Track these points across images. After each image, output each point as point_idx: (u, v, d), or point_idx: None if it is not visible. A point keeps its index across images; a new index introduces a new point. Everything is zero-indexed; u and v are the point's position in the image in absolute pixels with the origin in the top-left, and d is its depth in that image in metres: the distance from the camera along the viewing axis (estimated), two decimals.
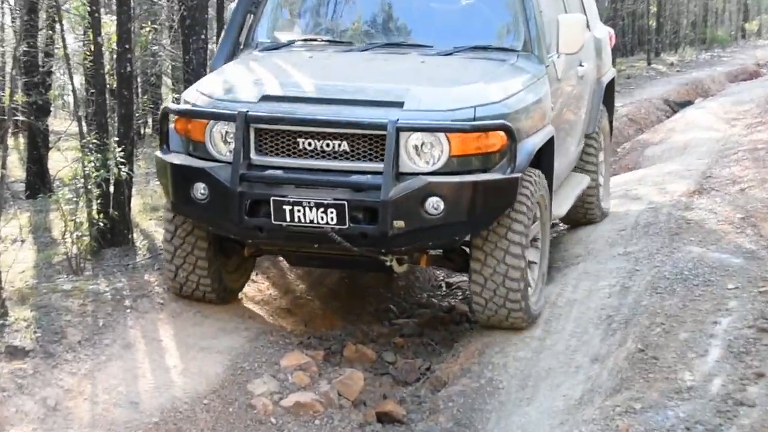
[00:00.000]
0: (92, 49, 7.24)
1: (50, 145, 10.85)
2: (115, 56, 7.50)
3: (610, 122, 8.81)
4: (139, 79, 10.80)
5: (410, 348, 6.73)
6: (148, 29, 9.34)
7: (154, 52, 13.09)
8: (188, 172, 5.75)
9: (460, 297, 8.02)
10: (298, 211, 5.50)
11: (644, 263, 6.82)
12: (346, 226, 5.48)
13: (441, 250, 6.17)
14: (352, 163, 5.58)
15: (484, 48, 6.52)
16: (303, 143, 5.60)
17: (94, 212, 6.95)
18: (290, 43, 6.77)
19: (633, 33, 25.73)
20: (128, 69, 7.30)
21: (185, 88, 7.05)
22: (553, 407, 5.46)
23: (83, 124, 7.36)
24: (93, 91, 7.49)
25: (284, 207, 5.51)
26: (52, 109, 12.95)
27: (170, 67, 14.51)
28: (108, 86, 7.53)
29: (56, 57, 11.54)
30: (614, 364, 5.47)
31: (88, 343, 5.61)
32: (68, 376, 5.22)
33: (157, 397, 5.23)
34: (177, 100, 6.98)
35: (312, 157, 5.62)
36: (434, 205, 5.47)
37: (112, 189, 7.18)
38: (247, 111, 5.59)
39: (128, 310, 6.08)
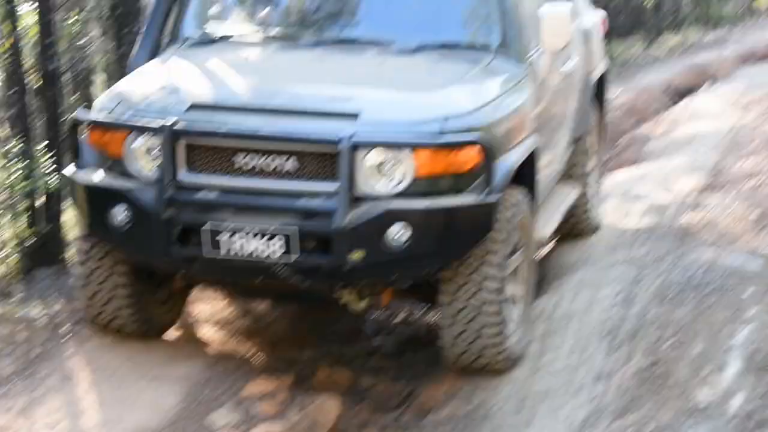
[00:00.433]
0: (9, 43, 7.22)
1: None
2: (37, 51, 7.49)
3: (602, 121, 8.67)
4: (68, 76, 10.78)
5: (390, 370, 6.79)
6: (74, 19, 9.32)
7: (83, 45, 13.07)
8: (104, 194, 5.57)
9: None
10: (237, 241, 5.35)
11: (650, 269, 6.92)
12: (294, 258, 5.34)
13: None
14: (300, 183, 5.41)
15: (454, 45, 6.36)
16: (241, 160, 5.44)
17: (22, 228, 6.96)
18: (224, 39, 6.54)
19: (629, 13, 25.98)
20: (53, 65, 7.30)
21: None
22: None
23: (4, 128, 7.35)
24: (13, 91, 7.47)
25: (220, 236, 5.35)
26: None
27: (102, 61, 14.49)
28: (30, 85, 7.51)
29: None
30: (621, 383, 5.56)
31: (21, 376, 5.62)
32: (1, 413, 5.23)
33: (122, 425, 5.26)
34: (89, 106, 6.77)
35: (253, 176, 5.45)
36: (397, 234, 5.32)
37: (41, 201, 7.19)
38: (173, 123, 5.40)
39: (66, 337, 6.09)
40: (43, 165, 6.95)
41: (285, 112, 5.49)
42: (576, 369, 6.02)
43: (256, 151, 5.41)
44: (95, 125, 5.67)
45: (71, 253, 7.44)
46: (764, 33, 23.10)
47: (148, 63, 6.35)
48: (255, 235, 5.31)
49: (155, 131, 5.43)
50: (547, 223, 6.95)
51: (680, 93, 16.57)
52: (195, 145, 5.46)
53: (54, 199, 7.21)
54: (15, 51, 7.20)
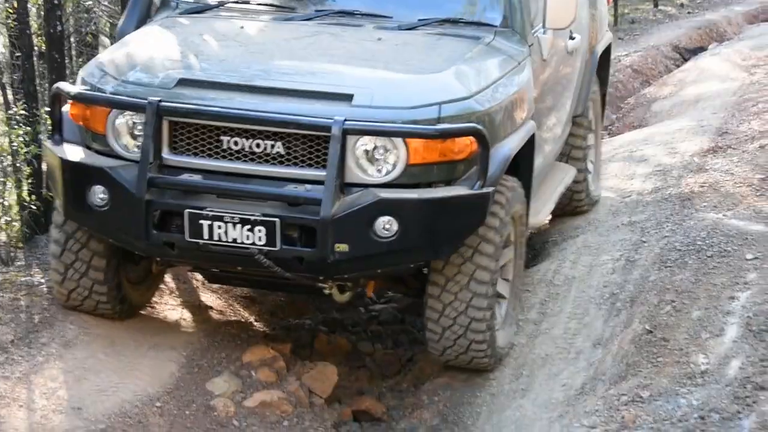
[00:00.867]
0: (15, 5, 7.21)
1: None
2: (42, 14, 7.47)
3: (603, 96, 8.47)
4: (72, 40, 10.73)
5: (389, 337, 6.81)
6: None
7: (89, 7, 13.04)
8: (84, 171, 5.34)
9: None
10: (219, 227, 5.14)
11: (652, 234, 6.91)
12: (277, 248, 5.13)
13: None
14: (287, 168, 5.20)
15: (455, 22, 6.09)
16: (228, 142, 5.22)
17: (25, 194, 6.95)
18: (218, 6, 6.32)
19: None
20: (59, 28, 7.27)
21: None
22: (552, 398, 5.55)
23: (8, 92, 7.33)
24: (18, 54, 7.45)
25: (202, 222, 5.15)
26: None
27: (108, 24, 14.47)
28: (36, 48, 7.50)
29: None
30: (619, 348, 5.56)
31: (22, 343, 5.63)
32: (0, 380, 5.26)
33: (103, 401, 5.27)
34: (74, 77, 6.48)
35: (239, 159, 5.23)
36: (386, 225, 5.09)
37: (44, 167, 7.18)
38: (160, 100, 5.17)
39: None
40: (47, 130, 6.88)
41: (276, 91, 5.27)
42: (575, 335, 6.04)
43: (244, 133, 5.20)
44: (77, 99, 5.45)
45: None
46: None
47: (137, 31, 6.14)
48: (237, 223, 5.12)
49: (140, 108, 5.22)
50: (542, 209, 6.74)
51: (687, 53, 16.49)
52: (180, 123, 5.27)
53: None
54: (21, 13, 7.14)
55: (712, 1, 21.28)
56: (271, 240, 5.12)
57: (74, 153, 5.43)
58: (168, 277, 6.66)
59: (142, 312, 6.19)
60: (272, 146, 5.19)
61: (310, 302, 7.17)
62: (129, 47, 5.79)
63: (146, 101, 5.17)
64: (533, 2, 6.36)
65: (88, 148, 5.43)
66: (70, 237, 5.68)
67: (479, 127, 5.18)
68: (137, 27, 6.22)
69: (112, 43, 11.84)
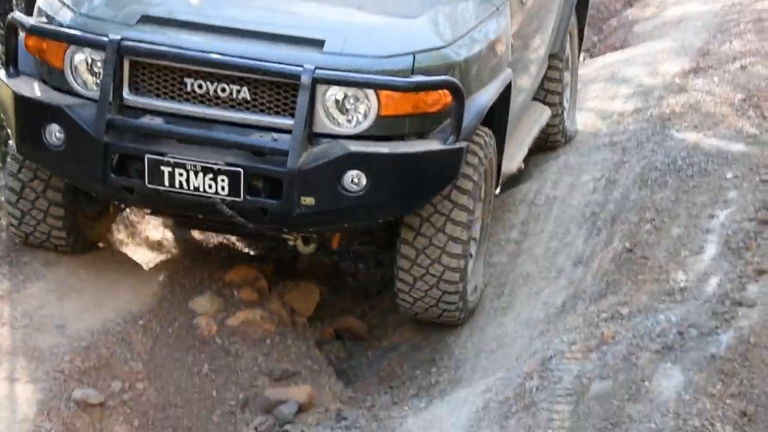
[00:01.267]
0: None
1: None
2: None
3: (581, 31, 8.14)
4: None
5: (371, 257, 6.83)
6: None
7: None
8: (39, 108, 5.09)
9: None
10: (181, 174, 4.93)
11: (633, 153, 6.93)
12: (241, 198, 4.93)
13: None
14: (253, 115, 4.98)
15: None
16: (191, 85, 4.98)
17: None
18: None
19: None
20: None
21: None
22: (532, 316, 5.61)
23: None
24: None
25: (162, 168, 4.93)
26: None
27: None
28: None
29: None
30: (599, 267, 5.61)
31: (3, 262, 5.65)
32: None
33: (86, 320, 5.30)
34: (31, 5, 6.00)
35: (202, 103, 5.00)
36: (354, 179, 4.90)
37: None
38: (121, 38, 4.91)
39: None
40: None
41: (244, 33, 5.03)
42: (556, 254, 6.08)
43: (209, 76, 4.97)
44: (32, 32, 5.14)
45: None
46: None
47: None
48: (199, 171, 4.92)
49: (99, 46, 4.96)
50: (515, 155, 6.49)
51: None
52: (142, 63, 5.02)
53: None
54: None
55: None
56: (234, 190, 4.93)
57: (29, 88, 5.17)
58: None
59: (129, 232, 6.20)
60: (238, 91, 4.97)
61: None
62: None
63: (107, 39, 4.92)
64: None
65: (45, 82, 5.18)
66: (25, 186, 5.47)
67: (454, 80, 4.99)
68: None
69: None
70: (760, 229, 5.46)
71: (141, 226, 6.41)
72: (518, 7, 6.12)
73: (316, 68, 4.83)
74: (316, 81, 4.84)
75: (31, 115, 5.14)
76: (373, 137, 4.99)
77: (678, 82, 8.38)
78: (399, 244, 5.38)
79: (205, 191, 4.95)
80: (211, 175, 4.92)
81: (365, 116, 4.97)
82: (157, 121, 5.01)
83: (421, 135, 5.10)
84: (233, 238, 6.67)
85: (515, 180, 7.21)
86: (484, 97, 5.35)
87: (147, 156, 4.94)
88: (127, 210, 6.17)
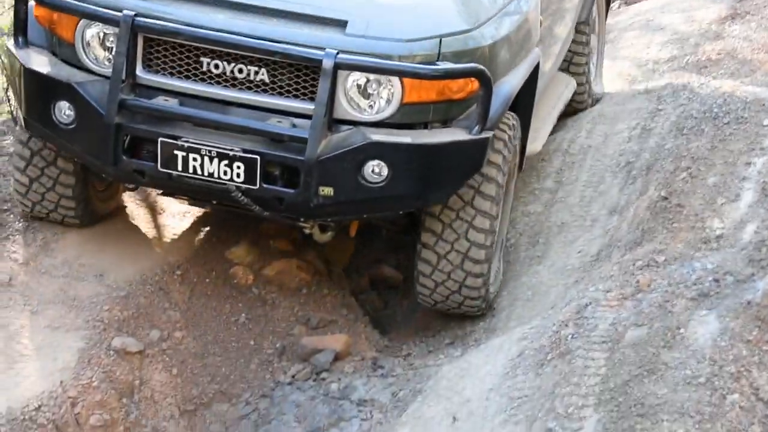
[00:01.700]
0: None
1: None
2: None
3: None
4: None
5: None
6: None
7: None
8: (49, 84, 4.84)
9: None
10: (195, 159, 4.69)
11: (668, 102, 6.87)
12: (257, 186, 4.70)
13: None
14: (271, 98, 4.74)
15: None
16: (208, 64, 4.74)
17: None
18: None
19: None
20: None
21: None
22: (567, 265, 5.61)
23: None
24: None
25: (176, 152, 4.70)
26: None
27: None
28: None
29: None
30: (634, 215, 5.60)
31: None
32: (22, 248, 5.33)
33: (124, 269, 5.35)
34: None
35: (219, 84, 4.76)
36: (375, 169, 4.68)
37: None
38: (135, 14, 4.65)
39: None
40: None
41: (264, 11, 4.77)
42: (591, 202, 6.07)
43: (226, 56, 4.72)
44: (42, 3, 4.87)
45: None
46: None
47: None
48: (215, 157, 4.68)
49: (113, 22, 4.70)
50: (540, 133, 6.22)
51: None
52: (156, 40, 4.78)
53: None
54: None
55: None
56: (250, 178, 4.70)
57: (39, 61, 4.92)
58: None
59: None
60: (256, 73, 4.72)
61: None
62: None
63: (120, 15, 4.66)
64: None
65: (55, 55, 4.95)
66: (35, 154, 5.28)
67: (483, 68, 4.71)
68: None
69: None
70: None
71: None
72: None
73: (338, 53, 4.58)
74: (338, 66, 4.58)
75: (39, 90, 4.90)
76: (395, 125, 4.76)
77: (714, 29, 8.31)
78: (419, 248, 5.21)
79: (219, 177, 4.71)
80: (226, 162, 4.69)
81: (388, 102, 4.74)
82: (172, 103, 4.77)
83: (445, 122, 4.87)
84: None
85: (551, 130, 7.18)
86: (511, 83, 5.12)
87: (160, 139, 4.71)
88: None
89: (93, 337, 4.87)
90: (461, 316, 5.54)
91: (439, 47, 4.76)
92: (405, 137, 4.72)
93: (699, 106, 6.52)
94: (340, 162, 4.66)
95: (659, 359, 4.06)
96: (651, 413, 3.78)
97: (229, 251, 5.76)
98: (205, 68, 4.76)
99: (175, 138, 4.71)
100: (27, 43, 4.99)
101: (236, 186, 4.72)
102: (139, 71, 4.78)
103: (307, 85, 4.71)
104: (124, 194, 5.89)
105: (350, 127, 4.72)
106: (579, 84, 7.18)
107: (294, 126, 4.70)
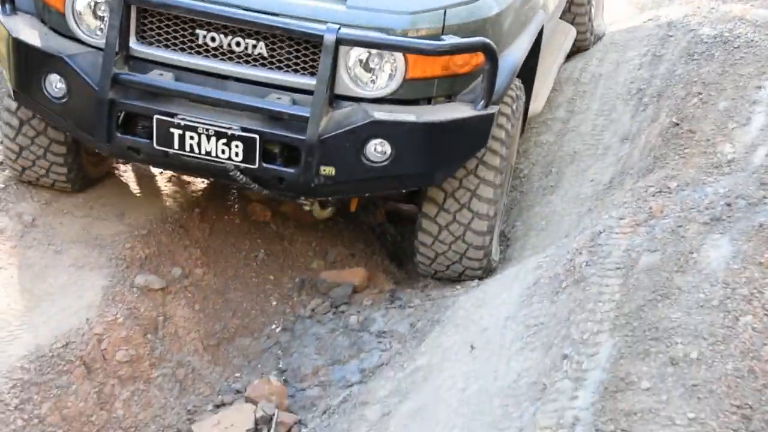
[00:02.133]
0: None
1: None
2: None
3: None
4: None
5: None
6: None
7: None
8: (39, 56, 4.60)
9: None
10: (192, 138, 4.48)
11: (678, 28, 6.84)
12: (256, 165, 4.50)
13: None
14: (269, 72, 4.53)
15: None
16: (204, 37, 4.51)
17: None
18: None
19: None
20: None
21: None
22: (580, 193, 5.63)
23: None
24: None
25: (172, 130, 4.48)
26: None
27: None
28: None
29: None
30: (646, 142, 5.59)
31: None
32: (44, 190, 5.36)
33: (144, 209, 5.40)
34: None
35: (215, 57, 4.54)
36: (378, 148, 4.51)
37: None
38: None
39: None
40: None
41: None
42: (603, 131, 6.07)
43: (223, 29, 4.50)
44: None
45: None
46: None
47: None
48: (212, 135, 4.47)
49: None
50: (540, 94, 5.99)
51: None
52: (150, 11, 4.55)
53: None
54: None
55: None
56: (249, 157, 4.50)
57: (28, 32, 4.69)
58: None
59: None
60: (254, 46, 4.51)
61: None
62: None
63: None
64: None
65: (44, 22, 4.73)
66: (24, 123, 5.11)
67: (489, 42, 4.51)
68: None
69: None
70: None
71: None
72: None
73: (340, 28, 4.37)
74: (340, 42, 4.38)
75: (29, 62, 4.67)
76: (398, 100, 4.56)
77: None
78: (420, 219, 5.08)
79: (217, 156, 4.51)
80: (224, 140, 4.48)
81: (391, 78, 4.53)
82: (167, 77, 4.55)
83: (449, 97, 4.67)
84: None
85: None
86: (516, 53, 4.95)
87: (156, 117, 4.49)
88: None
89: (116, 275, 4.91)
90: None
91: (444, 19, 4.54)
92: (409, 115, 4.52)
93: (709, 31, 6.48)
94: (341, 141, 4.47)
95: (673, 284, 4.08)
96: (665, 336, 3.80)
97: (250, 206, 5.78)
98: (200, 41, 4.53)
99: (172, 115, 4.48)
100: (14, 10, 4.77)
101: (235, 165, 4.53)
102: (133, 43, 4.56)
103: (306, 59, 4.51)
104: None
105: (352, 103, 4.52)
106: (581, 24, 7.03)
107: (294, 102, 4.50)
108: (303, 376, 4.83)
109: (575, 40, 7.03)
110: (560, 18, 6.75)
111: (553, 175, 5.91)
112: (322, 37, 4.35)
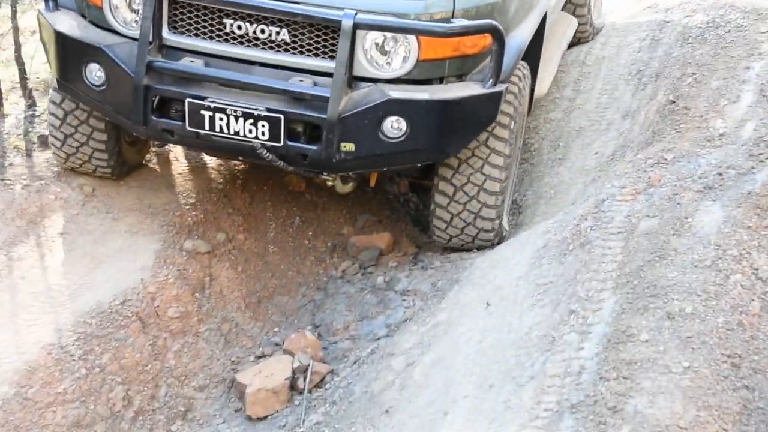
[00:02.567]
0: None
1: None
2: None
3: None
4: None
5: None
6: None
7: None
8: (79, 47, 4.61)
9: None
10: (221, 119, 4.46)
11: (675, 13, 6.79)
12: (281, 143, 4.48)
13: None
14: (292, 57, 4.50)
15: None
16: (231, 26, 4.50)
17: None
18: None
19: None
20: None
21: None
22: (585, 165, 5.62)
23: None
24: None
25: (203, 112, 4.46)
26: None
27: None
28: None
29: None
30: (645, 118, 5.57)
31: None
32: None
33: (191, 180, 5.44)
34: None
35: (242, 44, 4.53)
36: (395, 125, 4.47)
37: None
38: None
39: None
40: None
41: None
42: (606, 108, 6.04)
43: (248, 17, 4.47)
44: None
45: None
46: None
47: None
48: (240, 116, 4.45)
49: None
50: (545, 77, 5.91)
51: None
52: (181, 2, 4.54)
53: None
54: None
55: None
56: (274, 136, 4.47)
57: (69, 25, 4.69)
58: None
59: None
60: (277, 33, 4.47)
61: None
62: None
63: None
64: None
65: (84, 17, 4.74)
66: (68, 114, 5.10)
67: (497, 24, 4.45)
68: None
69: None
70: None
71: None
72: None
73: (357, 13, 4.33)
74: (357, 26, 4.33)
75: (70, 53, 4.67)
76: (412, 80, 4.53)
77: None
78: (437, 181, 5.02)
79: (245, 136, 4.48)
80: (251, 121, 4.45)
81: (405, 59, 4.49)
82: (198, 64, 4.54)
83: (460, 77, 4.62)
84: None
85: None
86: (522, 35, 4.92)
87: (188, 100, 4.47)
88: None
89: (167, 240, 4.96)
90: None
91: (454, 3, 4.50)
92: (422, 93, 4.48)
93: (702, 17, 6.44)
94: (360, 119, 4.44)
95: (669, 246, 4.08)
96: (662, 294, 3.81)
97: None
98: (228, 29, 4.51)
99: (202, 98, 4.46)
100: (57, 6, 4.78)
101: (261, 144, 4.49)
102: (165, 33, 4.55)
103: (327, 43, 4.47)
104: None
105: (369, 84, 4.49)
106: (581, 16, 6.97)
107: (315, 84, 4.47)
108: (335, 331, 4.86)
109: (577, 32, 6.96)
110: (562, 10, 6.70)
111: (561, 149, 5.90)
112: (340, 22, 4.32)
